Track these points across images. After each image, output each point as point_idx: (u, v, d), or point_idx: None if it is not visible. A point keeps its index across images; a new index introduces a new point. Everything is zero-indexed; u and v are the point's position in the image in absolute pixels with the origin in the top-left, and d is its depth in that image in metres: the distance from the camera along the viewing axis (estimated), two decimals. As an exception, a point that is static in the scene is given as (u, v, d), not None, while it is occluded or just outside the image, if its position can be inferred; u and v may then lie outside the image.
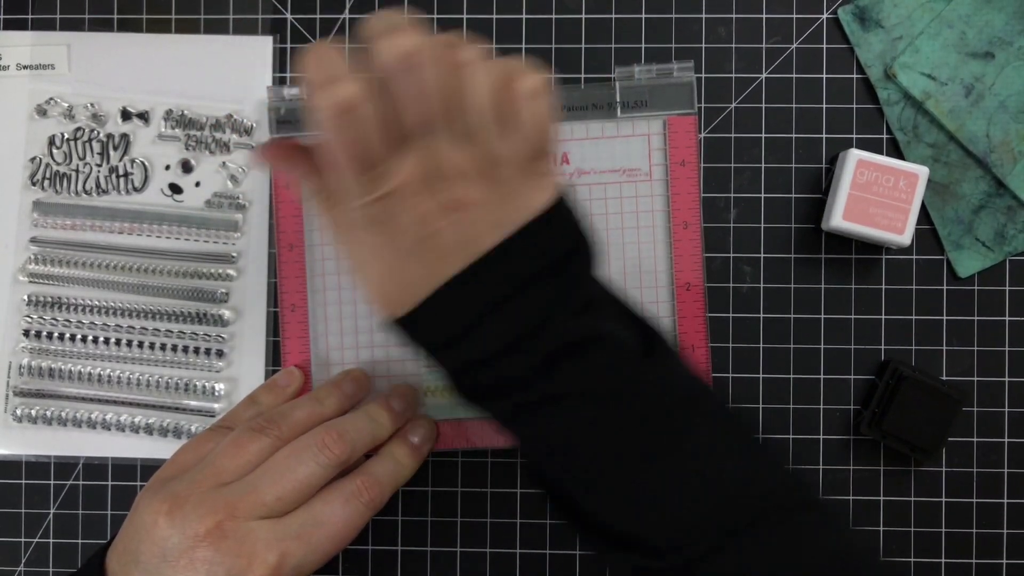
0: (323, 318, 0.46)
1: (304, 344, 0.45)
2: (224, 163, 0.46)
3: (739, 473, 0.32)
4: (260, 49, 0.46)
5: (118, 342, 0.46)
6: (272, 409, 0.41)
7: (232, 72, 0.46)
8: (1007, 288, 0.46)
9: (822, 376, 0.46)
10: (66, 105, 0.46)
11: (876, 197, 0.43)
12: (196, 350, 0.46)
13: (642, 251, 0.45)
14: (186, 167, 0.46)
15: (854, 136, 0.46)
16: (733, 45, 0.46)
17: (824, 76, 0.46)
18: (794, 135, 0.46)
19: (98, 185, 0.46)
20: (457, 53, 0.31)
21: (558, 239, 0.33)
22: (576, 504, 0.35)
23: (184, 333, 0.46)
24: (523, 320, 0.32)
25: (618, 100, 0.45)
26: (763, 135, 0.46)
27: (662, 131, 0.45)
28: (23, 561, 0.46)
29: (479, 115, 0.31)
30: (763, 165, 0.46)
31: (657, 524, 0.32)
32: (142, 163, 0.46)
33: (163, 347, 0.46)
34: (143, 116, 0.46)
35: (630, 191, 0.45)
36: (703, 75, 0.46)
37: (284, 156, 0.35)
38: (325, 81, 0.30)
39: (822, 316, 0.46)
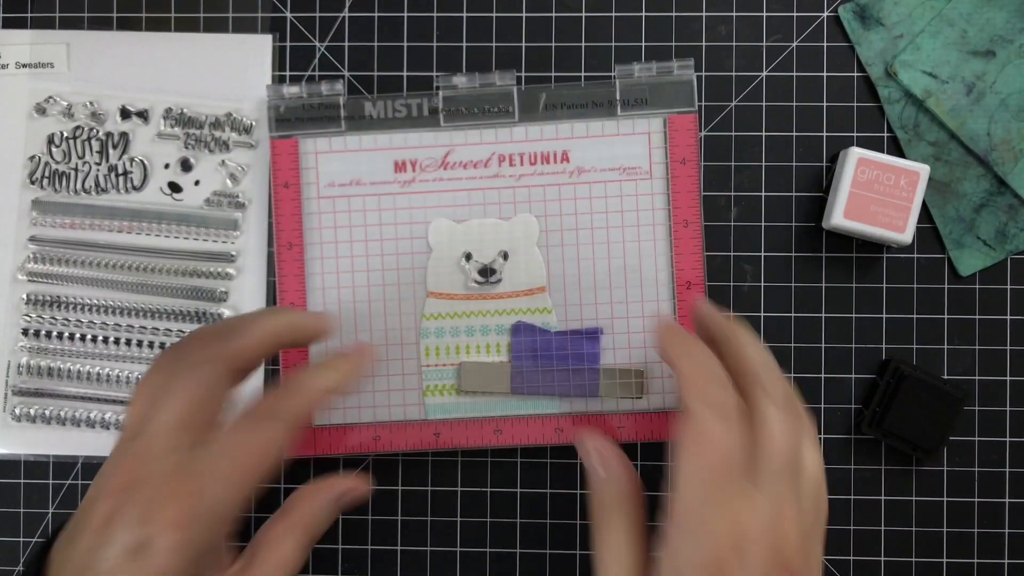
0: (322, 317, 0.45)
1: (303, 343, 0.45)
2: (223, 161, 0.46)
3: None
4: (260, 48, 0.46)
5: (117, 341, 0.46)
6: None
7: (232, 70, 0.46)
8: (1008, 287, 0.45)
9: (823, 375, 0.46)
10: (65, 103, 0.46)
11: (877, 195, 0.43)
12: (195, 349, 0.46)
13: (642, 250, 0.45)
14: (185, 166, 0.46)
15: (855, 134, 0.46)
16: (733, 43, 0.46)
17: (825, 74, 0.46)
18: (794, 133, 0.46)
19: (97, 184, 0.46)
20: None
21: None
22: None
23: (184, 332, 0.46)
24: None
25: (618, 98, 0.45)
26: (764, 133, 0.46)
27: (662, 129, 0.45)
28: (22, 561, 0.46)
29: None
30: (764, 163, 0.46)
31: None
32: (141, 162, 0.46)
33: (163, 346, 0.46)
34: (142, 114, 0.46)
35: (630, 189, 0.45)
36: (703, 73, 0.46)
37: None
38: None
39: (823, 315, 0.46)
